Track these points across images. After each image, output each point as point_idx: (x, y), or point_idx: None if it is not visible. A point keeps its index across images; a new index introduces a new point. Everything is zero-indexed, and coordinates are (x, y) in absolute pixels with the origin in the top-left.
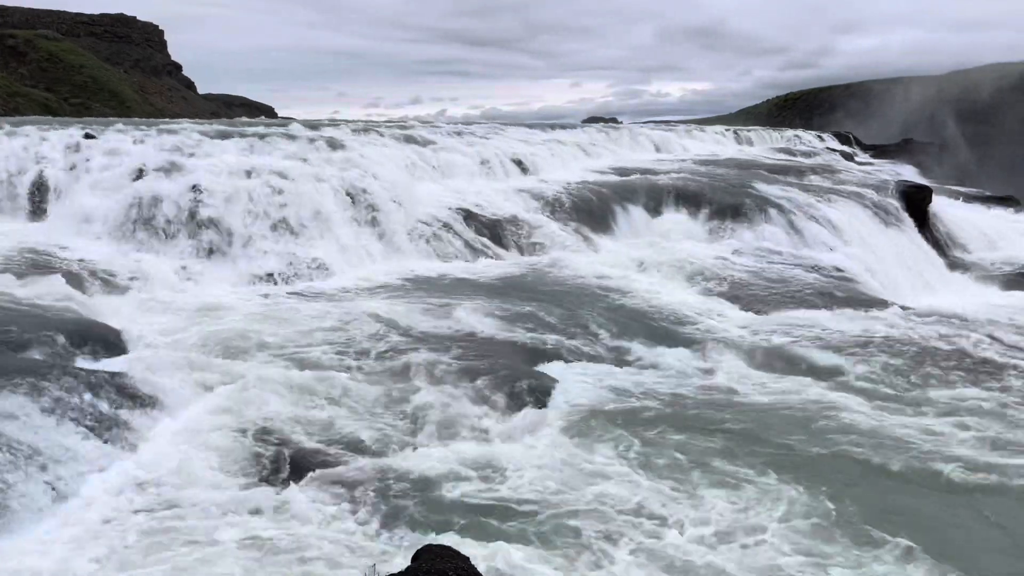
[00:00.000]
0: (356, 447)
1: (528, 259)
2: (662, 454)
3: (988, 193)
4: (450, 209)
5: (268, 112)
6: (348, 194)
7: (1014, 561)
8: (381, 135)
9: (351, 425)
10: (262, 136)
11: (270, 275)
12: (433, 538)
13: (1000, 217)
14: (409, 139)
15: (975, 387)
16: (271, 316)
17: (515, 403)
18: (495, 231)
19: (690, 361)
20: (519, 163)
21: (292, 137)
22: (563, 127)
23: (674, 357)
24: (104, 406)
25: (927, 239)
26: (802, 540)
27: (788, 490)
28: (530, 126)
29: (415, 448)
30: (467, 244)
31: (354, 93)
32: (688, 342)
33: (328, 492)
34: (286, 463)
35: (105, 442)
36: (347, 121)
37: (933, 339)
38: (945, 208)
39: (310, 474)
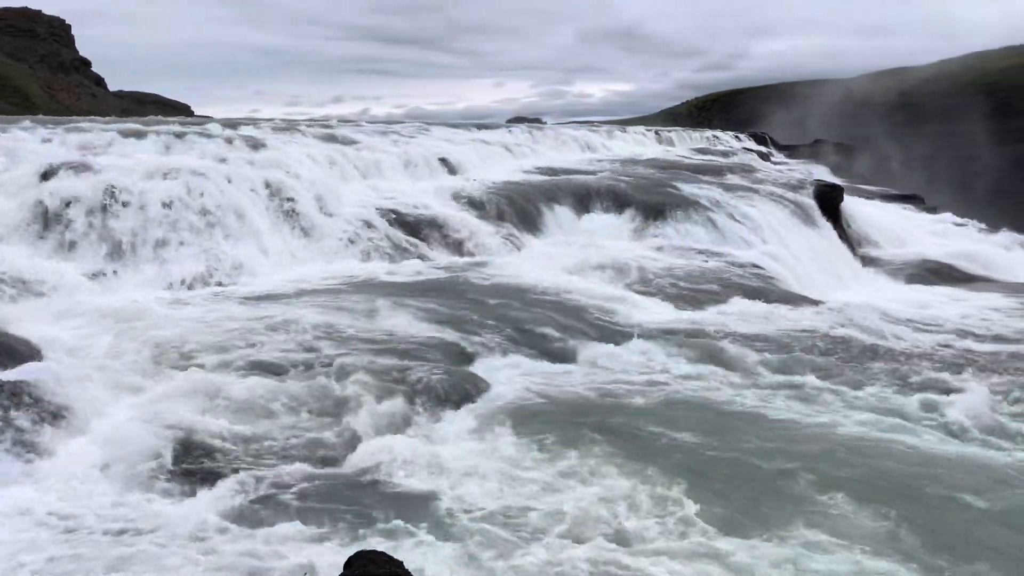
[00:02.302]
0: (281, 453)
1: (456, 259)
2: (592, 450)
3: (895, 192)
4: (376, 209)
5: (184, 110)
6: (270, 194)
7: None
8: (303, 134)
9: (275, 431)
10: (178, 135)
11: (188, 278)
12: (365, 544)
13: (906, 215)
14: (332, 138)
15: (883, 378)
16: (189, 321)
17: (445, 404)
18: (422, 231)
19: (617, 356)
20: (445, 163)
21: (210, 136)
22: (488, 127)
23: (602, 353)
24: (3, 420)
25: (840, 236)
26: (723, 537)
27: (710, 483)
28: (455, 126)
29: (343, 452)
30: (393, 244)
31: (273, 91)
32: (615, 338)
33: (252, 500)
34: (206, 472)
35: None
36: (267, 120)
37: (845, 332)
38: (856, 206)
39: (232, 482)
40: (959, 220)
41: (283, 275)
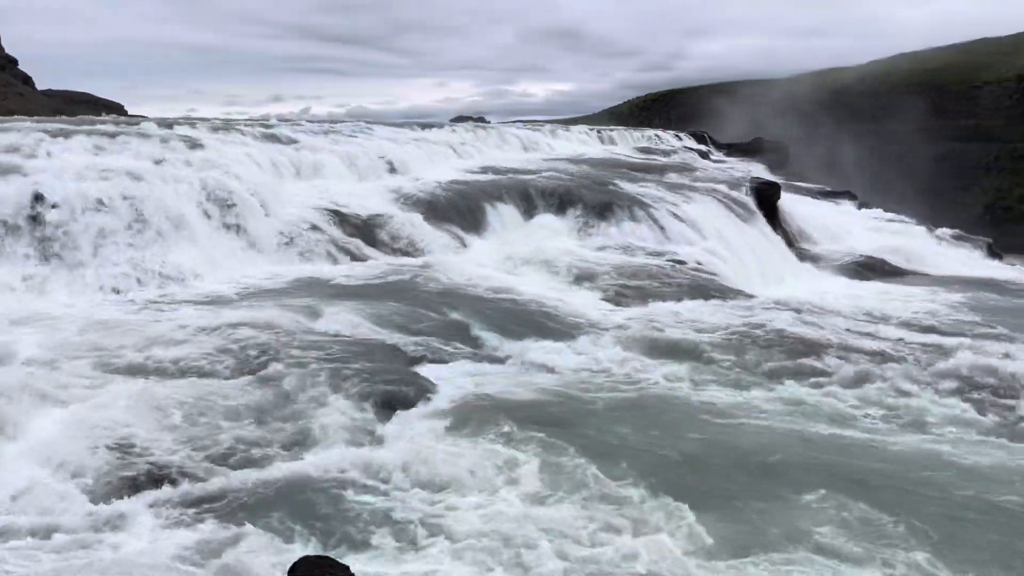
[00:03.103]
0: (224, 459)
1: (401, 260)
2: (540, 449)
3: (829, 188)
4: (318, 210)
5: (117, 110)
6: (208, 196)
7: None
8: (242, 134)
9: (213, 436)
10: (111, 135)
11: (122, 283)
12: (310, 549)
13: (840, 211)
14: (272, 138)
15: (817, 369)
16: (124, 326)
17: (391, 406)
18: (366, 232)
19: (564, 354)
20: (388, 162)
21: (145, 136)
22: (432, 126)
23: (549, 352)
24: None
25: (777, 232)
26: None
27: (654, 475)
28: (398, 125)
29: (287, 457)
30: (337, 246)
31: (211, 91)
32: (562, 336)
33: (194, 508)
34: (145, 480)
35: None
36: (205, 119)
37: (782, 326)
38: (792, 203)
39: (172, 490)
40: (890, 216)
41: (222, 278)
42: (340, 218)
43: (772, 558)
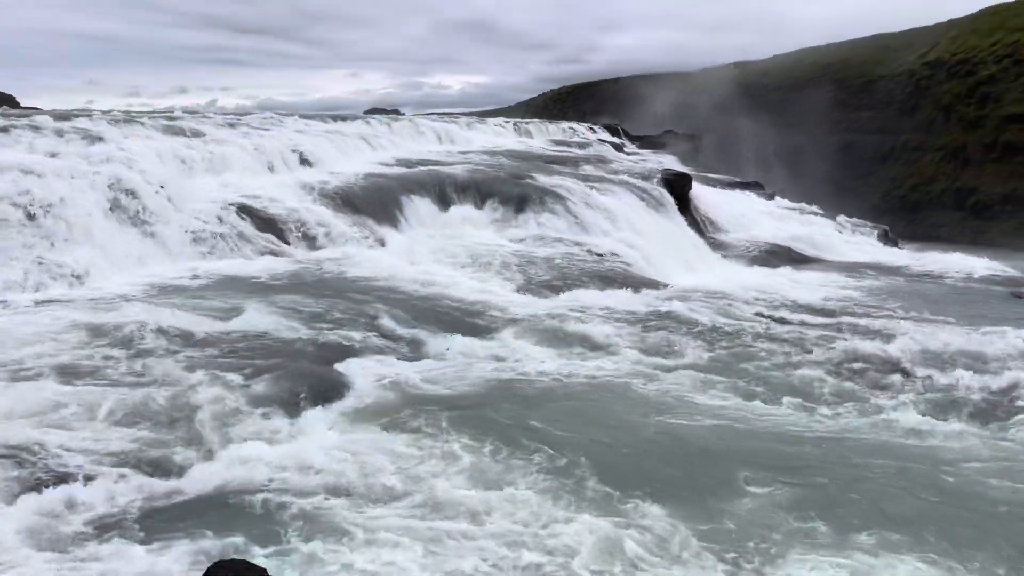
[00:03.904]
0: (132, 464)
1: (314, 254)
2: (456, 444)
3: (738, 179)
4: (228, 205)
5: (8, 101)
6: (109, 191)
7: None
8: (145, 126)
9: (123, 442)
10: (2, 128)
11: (18, 284)
12: (224, 553)
13: (748, 201)
14: (177, 131)
15: (728, 355)
16: (21, 329)
17: (305, 404)
18: (278, 227)
19: (482, 348)
20: (300, 155)
21: (38, 129)
22: (345, 118)
23: (466, 345)
24: None
25: (689, 222)
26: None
27: (575, 465)
28: (310, 117)
29: (196, 460)
30: (248, 241)
31: (110, 81)
32: (479, 329)
33: (103, 515)
34: (44, 486)
35: None
36: (104, 111)
37: (694, 314)
38: (703, 193)
39: (78, 496)
40: (795, 205)
41: (127, 277)
42: (251, 213)
43: (700, 543)
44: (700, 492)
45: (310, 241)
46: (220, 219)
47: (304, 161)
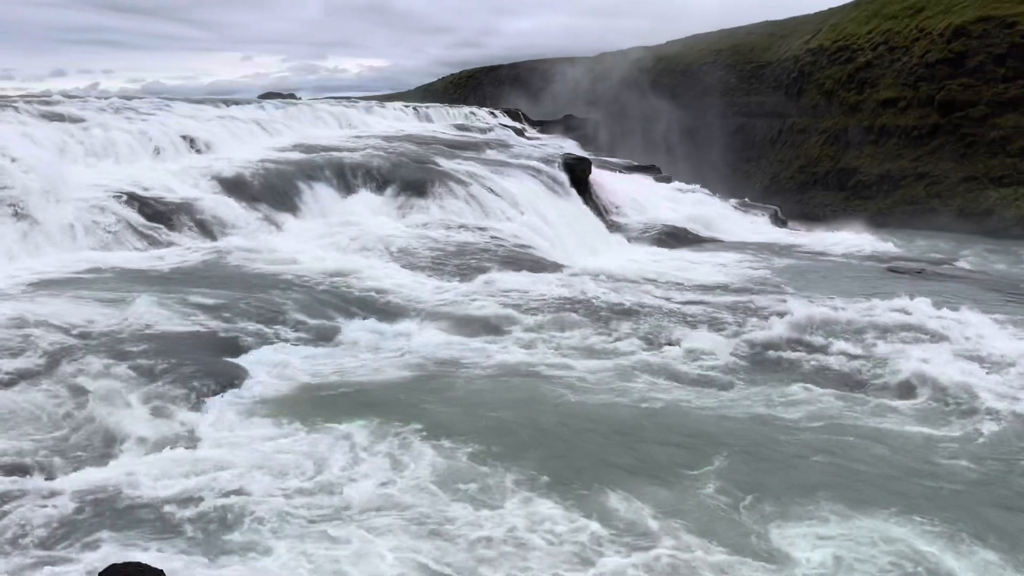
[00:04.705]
0: (11, 468)
1: (210, 244)
2: (356, 430)
3: (635, 163)
4: (114, 194)
5: None
6: None
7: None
8: (18, 111)
9: (4, 444)
10: None
11: None
12: (120, 556)
13: (645, 184)
14: (55, 116)
15: (630, 332)
16: None
17: (203, 399)
18: (169, 216)
19: (387, 334)
20: (192, 141)
21: None
22: (238, 103)
23: (370, 332)
24: None
25: (590, 206)
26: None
27: (478, 447)
28: (200, 101)
29: (89, 462)
30: (137, 231)
31: None
32: (384, 316)
33: None
34: None
35: None
36: None
37: (596, 294)
38: (602, 177)
39: None
40: (690, 187)
41: (2, 271)
42: (140, 202)
43: (613, 521)
44: (613, 471)
45: (205, 230)
46: (107, 209)
47: (195, 147)
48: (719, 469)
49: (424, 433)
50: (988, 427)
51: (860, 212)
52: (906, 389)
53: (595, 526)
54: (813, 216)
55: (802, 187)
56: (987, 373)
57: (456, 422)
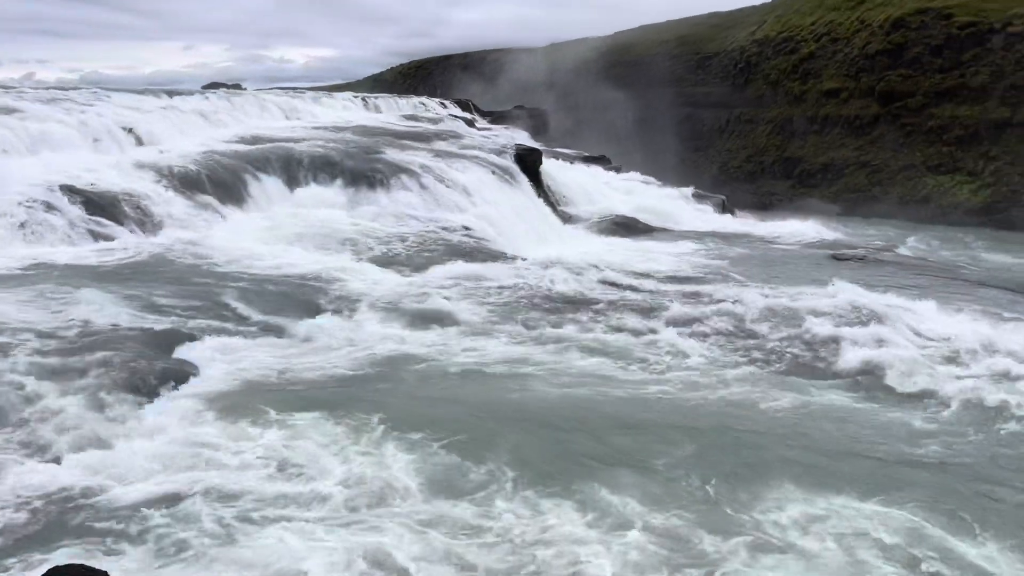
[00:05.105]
0: None
1: (154, 238)
2: (315, 427)
3: (586, 154)
4: (53, 187)
5: None
6: None
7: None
8: None
9: None
10: None
11: None
12: (64, 559)
13: (596, 174)
14: None
15: (585, 321)
16: None
17: (148, 396)
18: (111, 210)
19: (338, 328)
20: (133, 133)
21: None
22: (181, 93)
23: (321, 326)
24: None
25: (541, 196)
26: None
27: (432, 440)
28: (141, 92)
29: (26, 464)
30: (77, 226)
31: None
32: (334, 309)
33: None
34: None
35: None
36: None
37: (549, 285)
38: (554, 168)
39: None
40: (641, 178)
41: None
42: (80, 195)
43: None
44: (573, 460)
45: (148, 224)
46: (44, 202)
47: (138, 139)
48: (685, 455)
49: (378, 426)
50: (930, 406)
51: (805, 200)
52: (851, 372)
53: (555, 517)
54: (761, 205)
55: (750, 176)
56: (926, 353)
57: (410, 414)
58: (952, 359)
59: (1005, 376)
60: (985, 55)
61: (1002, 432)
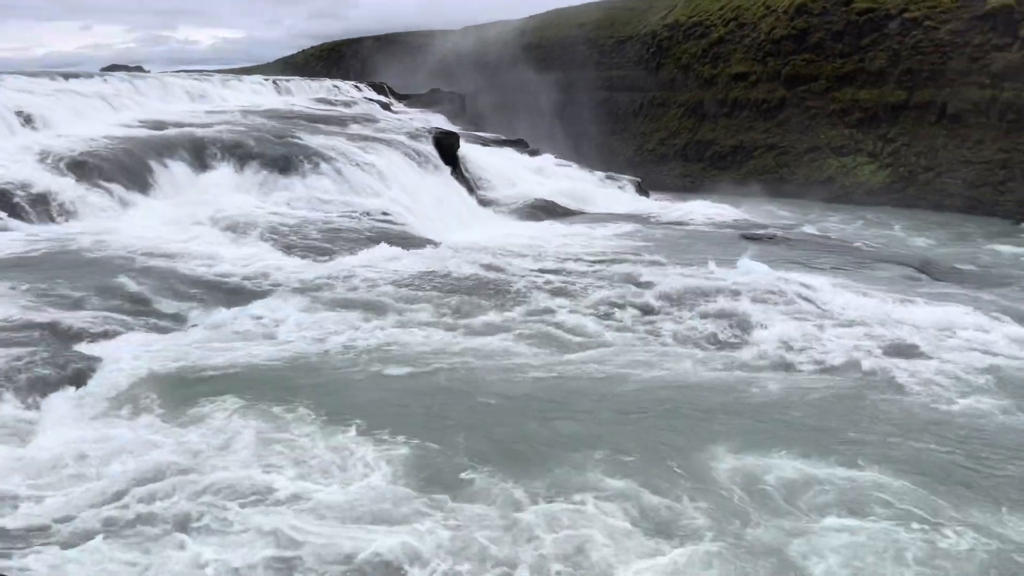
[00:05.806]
0: None
1: (52, 228)
2: (232, 421)
3: (503, 137)
4: None
5: None
6: None
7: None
8: None
9: None
10: None
11: None
12: None
13: (513, 158)
14: None
15: (505, 305)
16: None
17: (46, 392)
18: (5, 199)
19: (246, 317)
20: (25, 117)
21: None
22: (78, 76)
23: (232, 317)
24: None
25: (458, 180)
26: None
27: (348, 425)
28: (34, 74)
29: None
30: None
31: None
32: (245, 299)
33: None
34: None
35: None
36: None
37: (469, 269)
38: (471, 152)
39: None
40: (558, 161)
41: None
42: None
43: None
44: (510, 445)
45: (44, 212)
46: None
47: (30, 124)
48: (625, 433)
49: (298, 416)
50: (832, 375)
51: (717, 182)
52: (764, 346)
53: (484, 501)
54: (674, 187)
55: (663, 159)
56: (832, 327)
57: (329, 403)
58: (848, 329)
59: (895, 347)
60: (883, 40)
61: (880, 399)
